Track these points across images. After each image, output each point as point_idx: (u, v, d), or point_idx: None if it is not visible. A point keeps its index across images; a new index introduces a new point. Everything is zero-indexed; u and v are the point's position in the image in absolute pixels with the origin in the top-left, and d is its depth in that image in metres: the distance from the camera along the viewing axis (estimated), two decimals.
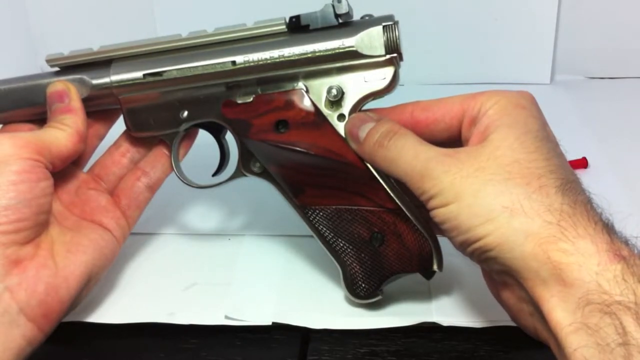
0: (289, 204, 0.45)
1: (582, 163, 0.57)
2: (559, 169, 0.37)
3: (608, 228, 0.34)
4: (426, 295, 0.45)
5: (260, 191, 0.58)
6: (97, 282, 0.44)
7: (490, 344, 0.42)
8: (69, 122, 0.43)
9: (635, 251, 0.33)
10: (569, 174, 0.37)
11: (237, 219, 0.55)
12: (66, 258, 0.41)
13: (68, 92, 0.44)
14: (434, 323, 0.43)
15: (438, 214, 0.38)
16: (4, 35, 0.75)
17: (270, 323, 0.44)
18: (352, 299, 0.44)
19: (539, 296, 0.34)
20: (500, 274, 0.37)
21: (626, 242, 0.34)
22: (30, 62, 0.76)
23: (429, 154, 0.39)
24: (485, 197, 0.36)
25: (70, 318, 0.43)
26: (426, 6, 0.71)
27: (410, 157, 0.39)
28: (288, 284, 0.47)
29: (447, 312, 0.44)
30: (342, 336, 0.44)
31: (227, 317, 0.44)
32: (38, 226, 0.40)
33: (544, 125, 0.39)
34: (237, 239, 0.52)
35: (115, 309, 0.46)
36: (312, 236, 0.45)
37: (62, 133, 0.43)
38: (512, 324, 0.42)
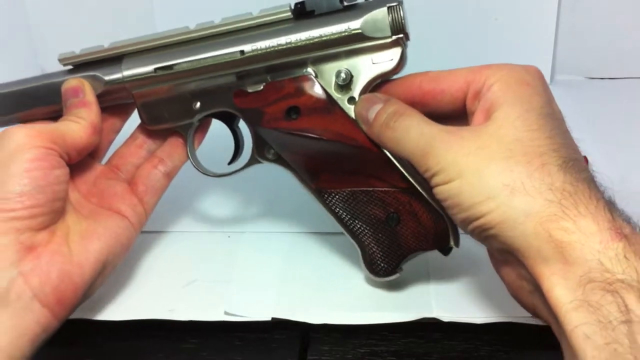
0: (304, 189, 0.46)
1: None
2: (561, 147, 0.36)
3: (610, 206, 0.34)
4: (426, 291, 0.45)
5: (260, 190, 0.58)
6: (113, 270, 0.45)
7: (490, 344, 0.42)
8: (83, 114, 0.44)
9: (637, 229, 0.33)
10: (571, 152, 0.37)
11: (236, 217, 0.55)
12: (81, 245, 0.42)
13: (82, 87, 0.45)
14: (434, 319, 0.43)
15: (441, 191, 0.38)
16: (3, 36, 0.75)
17: (269, 319, 0.44)
18: (373, 278, 0.45)
19: (540, 274, 0.34)
20: (501, 252, 0.38)
21: (628, 221, 0.34)
22: (30, 62, 0.76)
23: (432, 132, 0.39)
24: (486, 175, 0.36)
25: (71, 315, 0.43)
26: (426, 6, 0.71)
27: (414, 136, 0.39)
28: (287, 280, 0.47)
29: (447, 307, 0.44)
30: (342, 336, 0.44)
31: (226, 313, 0.44)
32: (53, 213, 0.41)
33: (549, 102, 0.39)
34: (237, 236, 0.53)
35: (116, 306, 0.46)
36: (311, 233, 0.47)
37: (77, 125, 0.44)
38: (513, 320, 0.42)
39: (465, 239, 0.49)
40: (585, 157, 0.57)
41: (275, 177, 0.59)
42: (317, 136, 0.43)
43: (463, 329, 0.43)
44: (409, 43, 0.44)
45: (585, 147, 0.58)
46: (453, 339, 0.43)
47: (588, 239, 0.33)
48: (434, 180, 0.39)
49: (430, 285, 0.46)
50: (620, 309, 0.30)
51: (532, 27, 0.72)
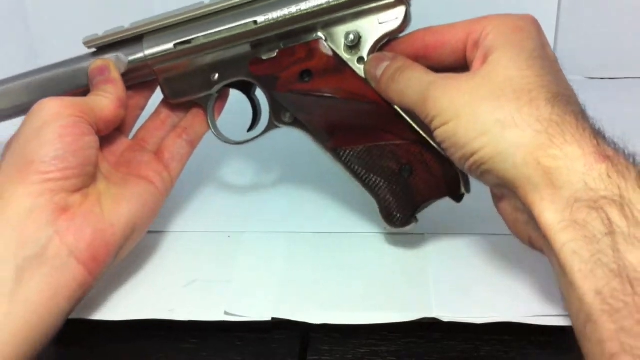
0: (319, 149, 0.48)
1: None
2: (550, 83, 0.39)
3: (596, 134, 0.36)
4: (426, 291, 0.45)
5: (260, 190, 0.58)
6: (141, 235, 0.47)
7: (490, 344, 0.42)
8: (110, 90, 0.47)
9: (620, 152, 0.35)
10: (561, 88, 0.39)
11: (236, 217, 0.55)
12: (112, 208, 0.44)
13: (107, 66, 0.48)
14: (434, 319, 0.43)
15: (439, 134, 0.41)
16: (3, 36, 0.75)
17: (269, 319, 0.44)
18: (390, 228, 0.48)
19: (531, 202, 0.36)
20: (497, 187, 0.40)
21: (613, 145, 0.36)
22: (30, 62, 0.76)
23: (430, 79, 0.42)
24: (480, 113, 0.38)
25: (71, 315, 0.43)
26: (426, 7, 0.71)
27: (415, 86, 0.42)
28: (287, 280, 0.47)
29: (447, 307, 0.44)
30: (342, 336, 0.44)
31: (226, 313, 0.44)
32: (85, 176, 0.43)
33: (542, 45, 0.41)
34: (237, 236, 0.52)
35: (116, 306, 0.46)
36: (311, 233, 0.48)
37: (104, 99, 0.46)
38: (513, 320, 0.42)
39: (466, 240, 0.50)
40: None
41: (275, 176, 0.60)
42: (330, 95, 0.46)
43: (463, 329, 0.43)
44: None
45: None
46: (453, 339, 0.43)
47: (574, 163, 0.35)
48: (434, 124, 0.41)
49: (430, 285, 0.46)
50: (604, 223, 0.33)
51: None
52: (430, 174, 0.46)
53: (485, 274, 0.46)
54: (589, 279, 0.32)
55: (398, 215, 0.47)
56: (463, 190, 0.46)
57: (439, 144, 0.42)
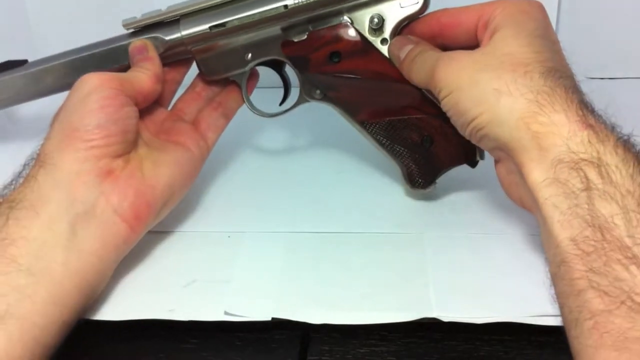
0: (347, 122, 0.52)
1: None
2: (547, 60, 0.42)
3: (583, 105, 0.40)
4: (426, 291, 0.45)
5: (260, 189, 0.58)
6: (179, 197, 0.51)
7: (490, 344, 0.42)
8: (147, 66, 0.51)
9: (602, 122, 0.40)
10: (557, 64, 0.43)
11: (236, 216, 0.55)
12: (152, 171, 0.48)
13: (145, 46, 0.52)
14: (434, 319, 0.43)
15: (445, 103, 0.45)
16: (3, 36, 0.75)
17: (269, 318, 0.44)
18: (413, 190, 0.53)
19: (521, 163, 0.40)
20: (494, 150, 0.45)
21: (598, 117, 0.40)
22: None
23: (438, 56, 0.46)
24: (479, 82, 0.43)
25: (100, 290, 0.44)
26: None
27: (427, 64, 0.46)
28: (287, 280, 0.47)
29: (447, 307, 0.43)
30: (342, 336, 0.44)
31: (226, 313, 0.44)
32: (125, 143, 0.47)
33: (544, 27, 0.45)
34: (237, 236, 0.52)
35: (116, 306, 0.46)
36: (311, 233, 0.49)
37: (142, 74, 0.50)
38: (513, 320, 0.42)
39: (466, 240, 0.50)
40: None
41: (275, 177, 0.60)
42: (358, 76, 0.50)
43: (463, 329, 0.43)
44: None
45: None
46: (453, 339, 0.43)
47: (559, 129, 0.39)
48: (440, 96, 0.45)
49: (430, 285, 0.46)
50: (582, 181, 0.37)
51: None
52: (450, 144, 0.50)
53: (485, 274, 0.46)
54: (566, 229, 0.37)
55: (420, 180, 0.52)
56: (478, 157, 0.51)
57: (447, 114, 0.46)
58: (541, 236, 0.41)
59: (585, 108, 0.40)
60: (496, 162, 0.46)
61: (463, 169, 0.52)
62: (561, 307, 0.38)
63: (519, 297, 0.44)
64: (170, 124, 0.54)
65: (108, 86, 0.47)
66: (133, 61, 0.52)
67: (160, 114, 0.54)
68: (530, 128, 0.40)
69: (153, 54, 0.52)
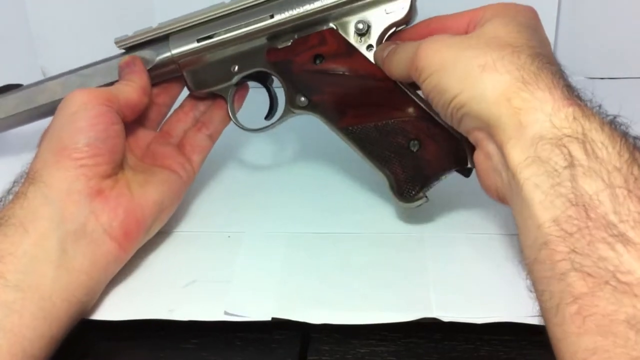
0: (331, 130, 0.51)
1: None
2: (537, 47, 0.41)
3: (569, 88, 0.38)
4: (426, 291, 0.45)
5: (260, 190, 0.58)
6: (168, 215, 0.51)
7: (490, 344, 0.42)
8: (134, 78, 0.51)
9: (589, 103, 0.38)
10: (545, 52, 0.41)
11: (236, 217, 0.55)
12: (140, 191, 0.48)
13: (133, 60, 0.52)
14: (434, 319, 0.43)
15: (426, 85, 0.43)
16: (3, 36, 0.75)
17: (269, 318, 0.44)
18: (401, 204, 0.50)
19: (501, 141, 0.38)
20: (474, 131, 0.42)
21: (583, 99, 0.38)
22: (30, 62, 0.76)
23: (422, 41, 0.44)
24: (463, 59, 0.41)
25: (90, 306, 0.44)
26: (426, 7, 0.71)
27: (409, 50, 0.45)
28: (287, 280, 0.47)
29: (447, 307, 0.43)
30: (342, 336, 0.44)
31: (226, 313, 0.44)
32: (114, 163, 0.47)
33: (536, 24, 0.44)
34: (237, 236, 0.52)
35: (115, 306, 0.46)
36: (311, 233, 0.49)
37: (129, 87, 0.50)
38: (513, 320, 0.42)
39: (466, 240, 0.50)
40: None
41: (275, 177, 0.60)
42: (341, 72, 0.49)
43: (463, 329, 0.42)
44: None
45: None
46: (453, 339, 0.43)
47: (542, 105, 0.37)
48: (422, 78, 0.43)
49: (430, 285, 0.46)
50: (565, 158, 0.35)
51: None
52: (439, 147, 0.48)
53: (485, 274, 0.46)
54: (548, 210, 0.34)
55: (409, 189, 0.49)
56: (470, 164, 0.47)
57: (428, 98, 0.44)
58: (517, 221, 0.38)
59: (570, 91, 0.38)
60: (474, 149, 0.44)
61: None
62: (540, 294, 0.35)
63: (519, 297, 0.43)
64: (156, 147, 0.53)
65: (96, 103, 0.47)
66: (121, 75, 0.52)
67: (146, 137, 0.54)
68: (512, 104, 0.38)
69: (140, 67, 0.52)
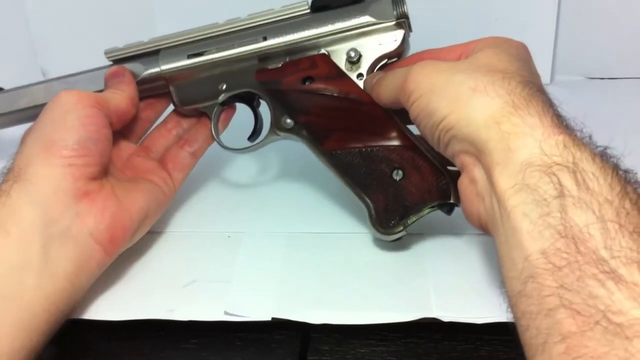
0: (315, 155, 0.50)
1: None
2: (526, 77, 0.40)
3: (559, 117, 0.37)
4: (426, 291, 0.45)
5: (260, 189, 0.58)
6: (152, 222, 0.50)
7: (490, 344, 0.42)
8: (123, 88, 0.50)
9: (579, 134, 0.37)
10: (536, 82, 0.40)
11: (236, 217, 0.55)
12: (126, 196, 0.47)
13: (122, 71, 0.52)
14: (434, 319, 0.43)
15: (415, 108, 0.42)
16: (3, 36, 0.75)
17: (269, 319, 0.44)
18: (378, 235, 0.48)
19: (489, 166, 0.37)
20: (460, 155, 0.41)
21: (573, 128, 0.37)
22: (30, 62, 0.76)
23: (413, 66, 0.44)
24: (454, 82, 0.40)
25: (70, 315, 0.43)
26: (426, 7, 0.71)
27: (398, 74, 0.44)
28: (287, 280, 0.47)
29: (447, 307, 0.43)
30: (342, 336, 0.44)
31: (226, 313, 0.44)
32: (101, 166, 0.46)
33: (526, 56, 0.44)
34: (237, 236, 0.52)
35: (115, 306, 0.46)
36: (311, 233, 0.48)
37: (118, 95, 0.50)
38: (513, 320, 0.42)
39: (466, 240, 0.50)
40: None
41: (275, 177, 0.60)
42: (329, 93, 0.48)
43: (463, 329, 0.43)
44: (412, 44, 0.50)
45: None
46: (453, 339, 0.43)
47: (532, 130, 0.36)
48: (410, 100, 0.42)
49: (430, 285, 0.46)
50: (555, 187, 0.33)
51: (532, 27, 0.72)
52: (422, 178, 0.47)
53: (485, 274, 0.46)
54: (536, 240, 0.33)
55: (388, 218, 0.47)
56: (453, 199, 0.46)
57: (415, 122, 0.43)
58: (500, 251, 0.36)
59: (560, 120, 0.37)
60: (460, 175, 0.42)
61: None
62: (524, 329, 0.33)
63: None
64: (137, 160, 0.53)
65: (87, 104, 0.46)
66: (108, 85, 0.51)
67: (127, 149, 0.53)
68: (501, 128, 0.37)
69: (129, 78, 0.51)
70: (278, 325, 0.44)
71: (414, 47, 0.50)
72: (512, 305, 0.35)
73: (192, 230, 0.54)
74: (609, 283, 0.30)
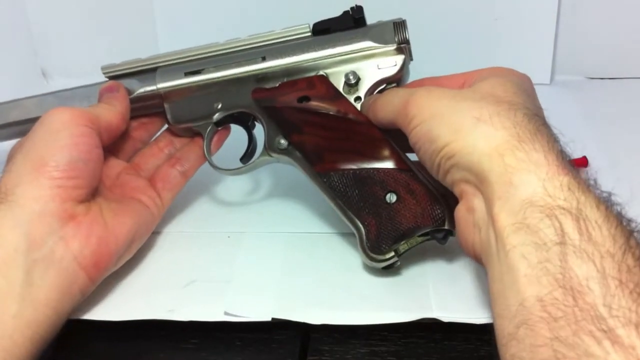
0: (308, 177, 0.49)
1: (583, 162, 0.57)
2: (531, 109, 0.39)
3: (563, 155, 0.37)
4: (426, 291, 0.45)
5: (260, 190, 0.58)
6: (137, 246, 0.49)
7: (490, 344, 0.42)
8: (115, 102, 0.50)
9: (581, 176, 0.36)
10: (540, 115, 0.40)
11: (236, 217, 0.55)
12: (114, 219, 0.46)
13: (117, 86, 0.51)
14: (434, 319, 0.43)
15: (415, 134, 0.41)
16: (4, 36, 0.75)
17: (269, 319, 0.44)
18: (368, 261, 0.46)
19: (489, 198, 0.36)
20: (460, 183, 0.40)
21: (576, 170, 0.36)
22: (30, 62, 0.76)
23: (414, 89, 0.43)
24: (458, 110, 0.39)
25: (70, 316, 0.43)
26: (426, 6, 0.71)
27: (400, 95, 0.44)
28: (287, 280, 0.47)
29: (447, 307, 0.44)
30: (342, 336, 0.44)
31: (226, 313, 0.44)
32: (90, 188, 0.45)
33: (530, 88, 0.43)
34: (237, 236, 0.52)
35: (115, 306, 0.46)
36: (311, 233, 0.48)
37: (109, 110, 0.49)
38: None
39: None
40: (584, 157, 0.57)
41: (275, 177, 0.60)
42: (324, 111, 0.48)
43: (463, 329, 0.42)
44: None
45: (585, 146, 0.58)
46: (453, 339, 0.43)
47: (536, 168, 0.35)
48: (411, 126, 0.42)
49: (430, 285, 0.46)
50: (557, 232, 0.32)
51: (532, 27, 0.72)
52: (416, 202, 0.45)
53: (485, 274, 0.46)
54: (533, 285, 0.32)
55: (379, 242, 0.46)
56: (447, 225, 0.45)
57: (415, 147, 0.42)
58: (493, 287, 0.35)
59: (565, 158, 0.36)
60: (457, 203, 0.41)
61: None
62: None
63: None
64: (126, 177, 0.52)
65: (80, 122, 0.45)
66: (101, 99, 0.51)
67: (117, 167, 0.52)
68: (504, 160, 0.36)
69: (123, 93, 0.51)
70: (278, 325, 0.44)
71: (412, 49, 0.49)
72: (500, 345, 0.34)
73: (192, 230, 0.54)
74: (606, 343, 0.29)
